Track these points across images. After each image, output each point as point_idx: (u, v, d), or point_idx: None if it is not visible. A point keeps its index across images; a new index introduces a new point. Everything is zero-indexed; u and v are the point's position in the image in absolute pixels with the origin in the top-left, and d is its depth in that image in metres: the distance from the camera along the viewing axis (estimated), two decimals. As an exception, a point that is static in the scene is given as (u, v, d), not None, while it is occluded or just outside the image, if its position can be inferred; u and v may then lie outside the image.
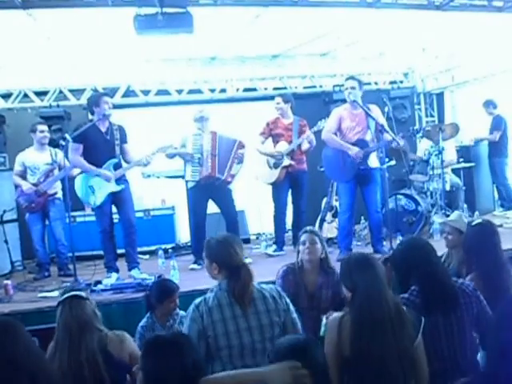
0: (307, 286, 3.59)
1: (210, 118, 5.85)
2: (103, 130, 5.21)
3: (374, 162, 5.56)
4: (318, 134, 5.90)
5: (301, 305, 3.42)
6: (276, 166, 6.08)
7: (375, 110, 5.55)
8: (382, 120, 5.51)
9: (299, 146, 6.06)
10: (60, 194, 5.98)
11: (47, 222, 6.05)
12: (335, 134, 5.60)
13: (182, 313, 3.55)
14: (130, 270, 5.28)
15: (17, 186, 6.01)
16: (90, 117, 5.48)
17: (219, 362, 2.62)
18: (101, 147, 5.18)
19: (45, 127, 6.10)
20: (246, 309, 2.64)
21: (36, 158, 5.98)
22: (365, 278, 2.56)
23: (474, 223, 3.48)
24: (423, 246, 3.01)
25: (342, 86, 8.48)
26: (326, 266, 3.62)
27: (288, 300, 2.81)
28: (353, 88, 5.43)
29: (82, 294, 2.82)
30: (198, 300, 2.71)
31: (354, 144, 5.46)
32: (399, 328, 2.45)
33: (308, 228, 3.72)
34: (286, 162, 6.01)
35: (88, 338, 2.66)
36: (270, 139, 6.25)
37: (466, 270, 3.38)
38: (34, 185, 5.87)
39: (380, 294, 2.51)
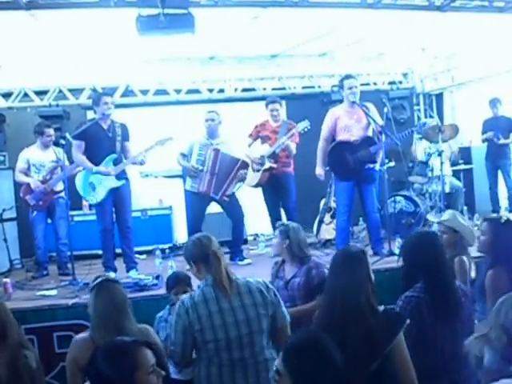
0: (285, 276, 3.71)
1: (220, 125, 5.84)
2: (105, 127, 5.25)
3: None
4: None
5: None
6: (257, 169, 6.07)
7: (372, 109, 5.52)
8: (379, 119, 5.49)
9: (283, 149, 5.99)
10: (63, 193, 5.98)
11: (49, 221, 6.06)
12: (333, 135, 5.60)
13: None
14: (127, 270, 5.29)
15: (20, 184, 6.00)
16: (93, 115, 5.50)
17: (205, 354, 2.64)
18: (102, 144, 5.22)
19: (52, 131, 6.09)
20: (230, 297, 2.66)
21: (41, 155, 6.00)
22: (338, 278, 2.55)
23: (503, 220, 3.46)
24: (435, 242, 2.98)
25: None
26: (300, 255, 3.69)
27: (277, 293, 2.83)
28: (356, 87, 5.42)
29: (115, 279, 2.86)
30: (184, 295, 2.79)
31: (360, 142, 5.40)
32: (365, 333, 2.38)
33: (286, 226, 3.80)
34: (267, 165, 5.98)
35: (127, 322, 2.72)
36: (259, 141, 6.24)
37: (488, 264, 3.35)
38: (41, 182, 5.90)
39: (351, 294, 2.47)
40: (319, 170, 5.77)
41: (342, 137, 5.51)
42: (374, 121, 5.33)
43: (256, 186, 6.14)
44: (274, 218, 6.11)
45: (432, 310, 2.72)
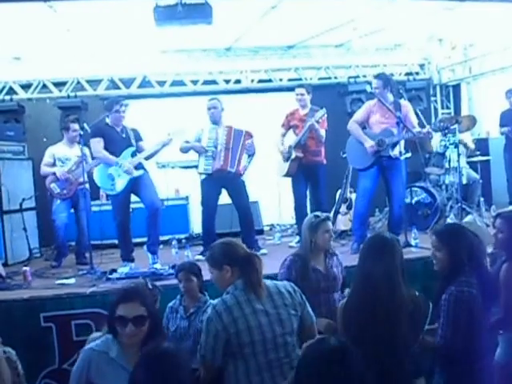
0: (319, 269, 3.62)
1: (222, 112, 5.82)
2: (118, 129, 5.37)
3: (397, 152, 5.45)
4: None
5: (315, 290, 3.45)
6: (286, 159, 6.06)
7: (407, 107, 5.55)
8: (412, 116, 5.51)
9: (312, 137, 5.98)
10: (87, 185, 6.04)
11: (72, 210, 6.12)
12: (364, 126, 5.59)
13: (211, 301, 3.53)
14: (148, 251, 5.37)
15: (45, 176, 6.03)
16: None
17: (242, 359, 2.63)
18: (117, 143, 5.32)
19: (77, 126, 6.08)
20: (262, 299, 2.66)
21: (67, 151, 6.10)
22: (377, 264, 2.53)
23: None
24: (475, 236, 2.91)
25: (358, 77, 8.54)
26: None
27: (302, 294, 2.82)
28: (376, 88, 5.44)
29: (149, 285, 2.90)
30: (215, 301, 2.75)
31: (379, 133, 5.43)
32: (405, 321, 2.41)
33: (329, 215, 3.79)
34: (293, 155, 5.96)
35: None
36: (291, 131, 6.24)
37: (506, 257, 3.33)
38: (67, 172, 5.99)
39: (390, 283, 2.48)
40: (369, 143, 5.41)
41: (369, 129, 5.56)
42: (398, 117, 5.29)
43: (286, 175, 6.13)
44: (299, 208, 6.09)
45: (480, 305, 2.69)
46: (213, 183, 5.74)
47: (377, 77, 5.62)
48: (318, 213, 3.76)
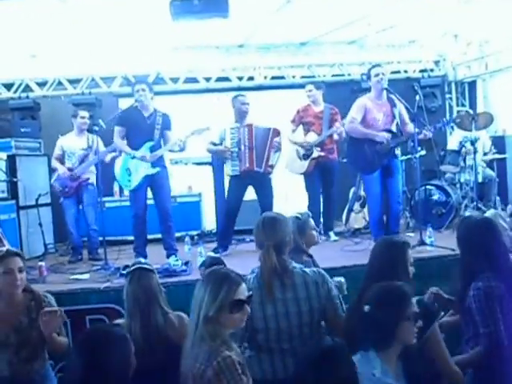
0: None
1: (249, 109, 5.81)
2: (146, 114, 5.36)
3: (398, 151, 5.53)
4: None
5: None
6: (305, 157, 6.03)
7: (397, 102, 5.49)
8: (404, 111, 5.49)
9: (329, 135, 6.00)
10: (93, 180, 6.07)
11: (80, 207, 6.18)
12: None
13: None
14: (167, 257, 5.37)
15: (54, 170, 6.18)
16: (125, 103, 5.60)
17: (255, 344, 2.63)
18: (140, 130, 5.33)
19: (86, 114, 6.26)
20: (285, 289, 2.61)
21: (73, 143, 6.14)
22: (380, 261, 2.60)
23: None
24: (494, 228, 2.81)
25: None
26: None
27: (331, 285, 2.77)
28: (383, 74, 5.38)
29: (149, 267, 2.91)
30: None
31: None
32: None
33: (309, 212, 3.61)
34: (315, 153, 5.96)
35: (155, 310, 2.75)
36: (301, 127, 6.22)
37: None
38: (69, 169, 6.04)
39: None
40: (382, 136, 5.34)
41: (368, 129, 5.48)
42: (408, 109, 5.27)
43: (304, 173, 6.13)
44: (313, 206, 6.05)
45: (508, 299, 2.63)
46: (240, 182, 5.73)
47: (378, 65, 5.52)
48: (296, 214, 3.56)
